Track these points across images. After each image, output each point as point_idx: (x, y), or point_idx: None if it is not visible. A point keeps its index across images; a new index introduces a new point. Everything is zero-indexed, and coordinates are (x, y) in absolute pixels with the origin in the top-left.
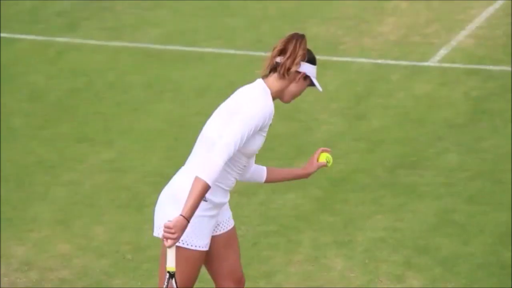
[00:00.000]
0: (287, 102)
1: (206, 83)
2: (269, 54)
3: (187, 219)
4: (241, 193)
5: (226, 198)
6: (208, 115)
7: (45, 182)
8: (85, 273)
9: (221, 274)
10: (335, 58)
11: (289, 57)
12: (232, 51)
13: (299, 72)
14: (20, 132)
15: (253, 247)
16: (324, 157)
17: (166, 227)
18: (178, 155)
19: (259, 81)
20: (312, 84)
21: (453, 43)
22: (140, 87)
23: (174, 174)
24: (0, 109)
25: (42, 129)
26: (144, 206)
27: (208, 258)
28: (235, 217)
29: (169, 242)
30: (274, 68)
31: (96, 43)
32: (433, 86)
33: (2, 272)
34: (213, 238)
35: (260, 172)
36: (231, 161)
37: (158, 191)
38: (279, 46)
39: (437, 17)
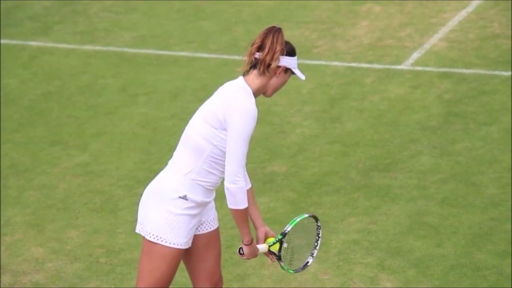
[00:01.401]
0: (270, 96)
1: (180, 86)
2: (248, 50)
3: (251, 241)
4: (215, 197)
5: (209, 197)
6: (182, 118)
7: (18, 185)
8: (58, 277)
9: (198, 275)
10: (308, 62)
11: (268, 53)
12: (206, 55)
13: (280, 66)
14: None
15: (226, 250)
16: (273, 247)
17: (245, 258)
18: (152, 159)
19: (240, 80)
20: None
21: (426, 46)
22: (114, 90)
23: (148, 177)
24: None
25: (16, 133)
26: (118, 210)
27: (187, 257)
28: None
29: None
30: (254, 65)
31: (69, 47)
32: (406, 89)
33: None
34: (195, 238)
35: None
36: (213, 161)
37: (132, 195)
38: (257, 42)
39: (410, 20)
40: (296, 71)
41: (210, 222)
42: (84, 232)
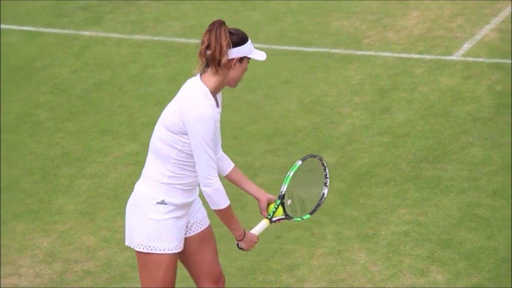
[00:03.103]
0: (235, 87)
1: None
2: (197, 50)
3: (243, 234)
4: (264, 187)
5: (190, 197)
6: (232, 108)
7: (70, 174)
8: (109, 265)
9: (199, 275)
10: (358, 52)
11: (214, 50)
12: (254, 45)
13: (232, 59)
14: (45, 125)
15: (276, 241)
16: (271, 208)
17: (246, 250)
18: None
19: (197, 80)
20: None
21: (478, 37)
22: (163, 80)
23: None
24: (26, 103)
25: (67, 122)
26: None
27: (184, 259)
28: (258, 210)
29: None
30: (207, 64)
31: (120, 37)
32: (457, 80)
33: (27, 263)
34: (187, 240)
35: (225, 164)
36: (182, 164)
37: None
38: (204, 41)
39: (462, 11)
40: (252, 55)
41: (200, 222)
42: None
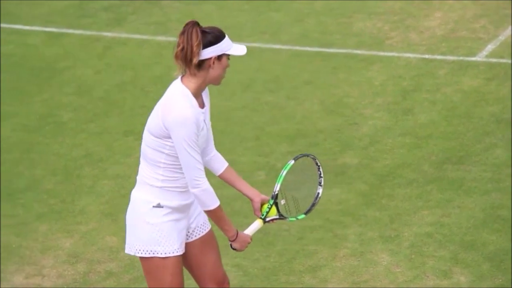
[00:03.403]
0: (219, 84)
1: (251, 77)
2: (173, 53)
3: (236, 235)
4: None
5: (187, 199)
6: (253, 109)
7: (92, 175)
8: (132, 266)
9: (202, 279)
10: (381, 53)
11: (186, 51)
12: (277, 46)
13: (210, 58)
14: (68, 126)
15: (298, 242)
16: (264, 209)
17: (239, 251)
18: (224, 149)
19: (178, 83)
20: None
21: (501, 38)
22: None
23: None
24: (49, 103)
25: (90, 123)
26: None
27: (187, 264)
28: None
29: (249, 243)
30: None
31: (142, 38)
32: (480, 81)
33: (50, 264)
34: (189, 245)
35: (218, 163)
36: (173, 167)
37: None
38: (179, 44)
39: (485, 11)
40: (231, 51)
41: (201, 227)
42: None
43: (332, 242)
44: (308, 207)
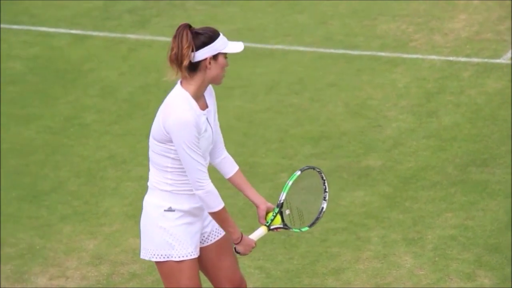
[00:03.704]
0: (220, 83)
1: (275, 80)
2: (167, 57)
3: (241, 238)
4: None
5: (198, 202)
6: (277, 111)
7: (116, 177)
8: (155, 268)
9: (219, 283)
10: (405, 55)
11: (176, 54)
12: (301, 48)
13: (205, 59)
14: (92, 128)
15: (321, 244)
16: (269, 216)
17: (243, 255)
18: (247, 151)
19: (177, 87)
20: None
21: None
22: None
23: (243, 170)
24: (73, 105)
25: (114, 125)
26: None
27: (203, 268)
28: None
29: (253, 247)
30: (189, 66)
31: (166, 40)
32: (505, 83)
33: (74, 265)
34: (205, 249)
35: (228, 166)
36: (181, 171)
37: (227, 187)
38: (173, 48)
39: (510, 13)
40: (226, 50)
41: (216, 231)
42: None
43: (355, 244)
44: (312, 221)
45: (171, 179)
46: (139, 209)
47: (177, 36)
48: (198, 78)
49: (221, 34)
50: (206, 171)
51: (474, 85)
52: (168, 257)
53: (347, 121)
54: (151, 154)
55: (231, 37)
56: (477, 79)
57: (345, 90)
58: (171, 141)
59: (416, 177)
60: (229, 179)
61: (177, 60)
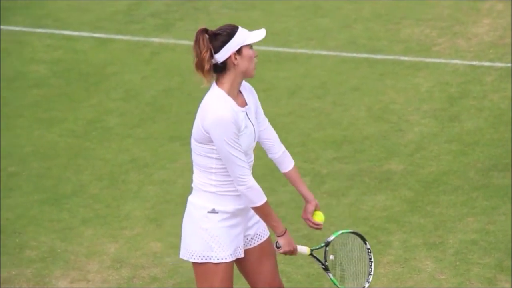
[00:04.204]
0: (253, 75)
1: (298, 84)
2: (194, 63)
3: (284, 231)
4: (331, 194)
5: (242, 204)
6: (300, 115)
7: (138, 180)
8: (176, 272)
9: (258, 286)
10: (428, 60)
11: (197, 61)
12: (324, 52)
13: (229, 57)
14: (114, 131)
15: (342, 248)
16: (320, 218)
17: (283, 253)
18: None
19: (213, 87)
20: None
21: None
22: None
23: (264, 174)
24: (96, 109)
25: (136, 128)
26: None
27: (243, 270)
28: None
29: (294, 253)
30: (216, 67)
31: (190, 44)
32: None
33: (95, 269)
34: (247, 251)
35: (286, 162)
36: (225, 171)
37: None
38: (196, 55)
39: None
40: (247, 41)
41: (260, 234)
42: None
43: (376, 248)
44: None
45: (215, 180)
46: (161, 213)
47: (195, 42)
48: (229, 76)
49: (239, 28)
50: (247, 166)
51: (497, 89)
52: (206, 259)
53: (369, 125)
54: (193, 156)
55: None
56: (500, 83)
57: (367, 94)
58: (211, 141)
59: (438, 182)
60: (286, 174)
61: (199, 66)
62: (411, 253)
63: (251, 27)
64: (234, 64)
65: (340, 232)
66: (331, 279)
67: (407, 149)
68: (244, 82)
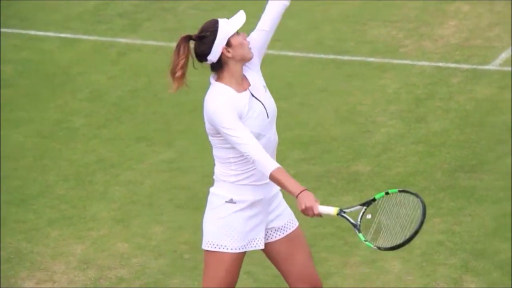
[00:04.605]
0: (251, 57)
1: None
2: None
3: (302, 190)
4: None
5: (262, 195)
6: None
7: (104, 181)
8: (143, 272)
9: (291, 278)
10: (395, 61)
11: (172, 66)
12: (291, 53)
13: (221, 54)
14: (81, 131)
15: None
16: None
17: (303, 213)
18: None
19: (212, 83)
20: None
21: None
22: (200, 88)
23: None
24: (62, 109)
25: (103, 129)
26: (203, 206)
27: (275, 261)
28: None
29: (315, 213)
30: (212, 68)
31: (157, 44)
32: (494, 90)
33: (61, 270)
34: (276, 243)
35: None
36: (242, 160)
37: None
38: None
39: (500, 20)
40: (232, 31)
41: (286, 226)
42: (168, 228)
43: (343, 249)
44: (384, 246)
45: (235, 170)
46: (127, 213)
47: (175, 48)
48: (228, 69)
49: (219, 21)
50: (251, 142)
51: (463, 91)
52: (216, 247)
53: (337, 126)
54: (213, 150)
55: None
56: (466, 85)
57: (335, 95)
58: (219, 132)
59: (405, 183)
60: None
61: (172, 72)
62: (378, 254)
63: None
64: (228, 57)
65: (388, 192)
66: (358, 236)
67: (374, 150)
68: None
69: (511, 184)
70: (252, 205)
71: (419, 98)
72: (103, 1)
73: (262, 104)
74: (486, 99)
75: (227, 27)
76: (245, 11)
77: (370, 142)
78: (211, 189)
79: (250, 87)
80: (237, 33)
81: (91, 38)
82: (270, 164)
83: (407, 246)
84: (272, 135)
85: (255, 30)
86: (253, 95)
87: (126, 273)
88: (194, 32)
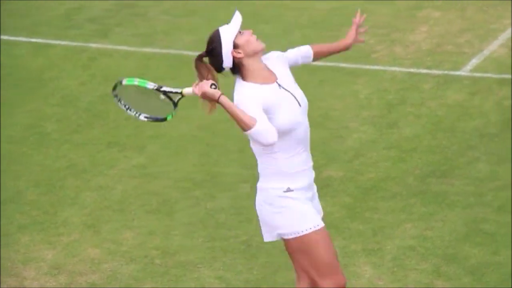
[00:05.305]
0: (263, 48)
1: None
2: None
3: (220, 96)
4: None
5: (310, 176)
6: None
7: (75, 186)
8: (114, 278)
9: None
10: (367, 67)
11: (204, 76)
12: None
13: (235, 57)
14: (52, 137)
15: (281, 254)
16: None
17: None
18: (210, 161)
19: (237, 81)
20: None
21: (486, 52)
22: None
23: (205, 180)
24: (33, 114)
25: (74, 134)
26: (174, 212)
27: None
28: None
29: (198, 91)
30: (232, 72)
31: (128, 49)
32: (464, 96)
33: (31, 275)
34: None
35: (306, 56)
36: (278, 151)
37: (188, 197)
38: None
39: (470, 26)
40: (234, 34)
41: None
42: (139, 233)
43: None
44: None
45: (277, 159)
46: (98, 219)
47: (197, 71)
48: (246, 67)
49: (219, 29)
50: (260, 120)
51: (434, 96)
52: (300, 232)
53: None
54: (252, 148)
55: (195, 48)
56: (437, 91)
57: (307, 100)
58: None
59: (376, 188)
60: (315, 57)
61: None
62: (349, 259)
63: (191, 34)
64: (240, 58)
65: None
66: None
67: (347, 156)
68: (267, 55)
69: (481, 189)
70: (308, 187)
71: (391, 104)
72: (74, 6)
73: (292, 94)
74: (457, 104)
75: (228, 32)
76: (215, 17)
77: (342, 148)
78: (263, 186)
79: (277, 80)
80: (240, 32)
81: (62, 43)
82: (260, 132)
83: (378, 252)
84: (307, 124)
85: (303, 52)
86: (281, 86)
87: (97, 279)
88: (164, 37)
